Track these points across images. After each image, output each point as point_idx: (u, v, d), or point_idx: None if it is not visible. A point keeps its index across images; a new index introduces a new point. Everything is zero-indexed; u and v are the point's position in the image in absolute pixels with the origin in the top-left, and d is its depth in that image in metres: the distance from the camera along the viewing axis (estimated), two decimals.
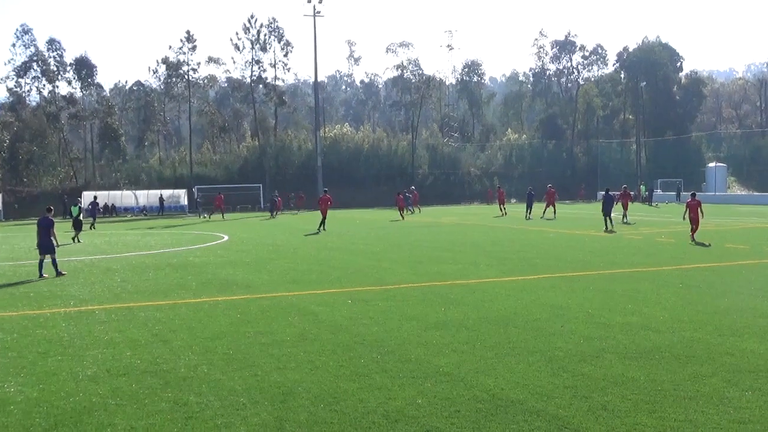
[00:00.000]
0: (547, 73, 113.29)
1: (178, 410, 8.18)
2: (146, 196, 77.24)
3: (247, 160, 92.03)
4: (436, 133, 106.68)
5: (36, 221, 22.06)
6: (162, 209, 72.62)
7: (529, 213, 48.53)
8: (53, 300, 16.29)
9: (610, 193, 37.49)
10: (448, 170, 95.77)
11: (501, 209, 53.92)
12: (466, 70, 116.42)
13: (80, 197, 53.43)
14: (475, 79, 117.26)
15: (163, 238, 36.39)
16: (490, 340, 11.25)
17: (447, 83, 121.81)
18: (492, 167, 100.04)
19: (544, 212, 47.57)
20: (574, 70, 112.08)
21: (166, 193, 76.27)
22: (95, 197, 52.76)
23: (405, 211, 52.47)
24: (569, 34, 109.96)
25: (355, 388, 8.89)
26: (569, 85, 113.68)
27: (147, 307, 15.10)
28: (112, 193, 77.44)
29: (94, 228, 46.40)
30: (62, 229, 45.94)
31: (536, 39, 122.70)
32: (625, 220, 40.20)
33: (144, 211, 73.90)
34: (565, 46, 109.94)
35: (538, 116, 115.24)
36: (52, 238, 21.07)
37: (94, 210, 49.95)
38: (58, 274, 20.80)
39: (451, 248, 27.07)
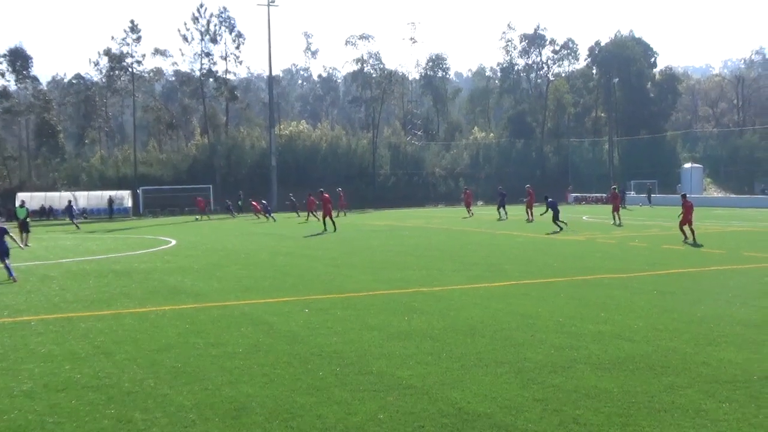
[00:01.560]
0: (516, 68, 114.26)
1: (122, 428, 8.11)
2: (87, 198, 76.38)
3: (196, 159, 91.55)
4: (398, 131, 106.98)
5: None
6: (111, 212, 72.08)
7: (505, 213, 49.32)
8: None
9: (550, 199, 39.35)
10: (412, 171, 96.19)
11: (468, 211, 54.73)
12: (431, 64, 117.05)
13: (22, 199, 53.07)
14: (439, 74, 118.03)
15: (105, 243, 36.03)
16: (457, 351, 11.30)
17: (410, 78, 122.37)
18: (458, 167, 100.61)
19: (531, 215, 47.56)
20: (544, 65, 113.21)
21: (112, 194, 75.54)
22: (70, 201, 53.41)
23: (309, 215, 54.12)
24: (539, 27, 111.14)
25: (312, 402, 8.87)
26: (539, 80, 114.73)
27: (88, 317, 14.94)
28: (48, 194, 76.49)
29: (78, 228, 49.91)
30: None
31: (504, 32, 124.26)
32: (616, 223, 40.89)
33: (84, 214, 73.08)
34: (535, 40, 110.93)
35: (506, 113, 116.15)
36: (9, 242, 21.96)
37: (71, 211, 51.11)
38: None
39: (415, 253, 27.15)
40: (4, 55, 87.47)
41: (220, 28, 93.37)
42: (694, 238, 29.74)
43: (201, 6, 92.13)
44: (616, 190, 45.49)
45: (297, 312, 14.95)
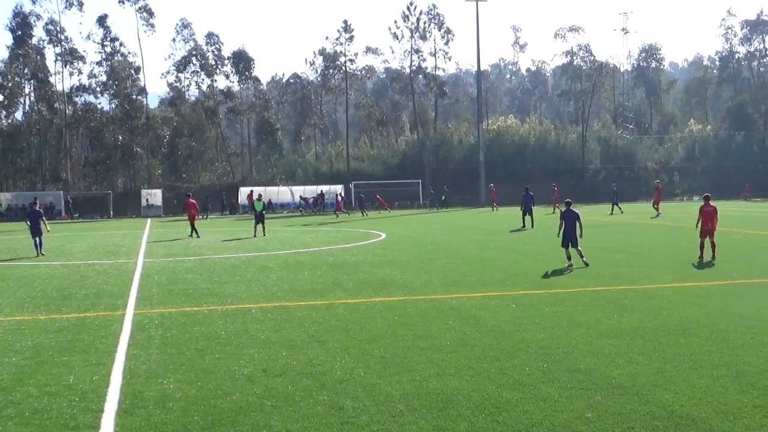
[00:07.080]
0: (736, 56, 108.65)
1: (333, 414, 8.39)
2: (302, 192, 79.29)
3: (405, 155, 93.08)
4: (609, 125, 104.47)
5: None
6: (323, 206, 74.42)
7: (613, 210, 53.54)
8: (210, 297, 17.07)
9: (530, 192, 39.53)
10: (623, 165, 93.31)
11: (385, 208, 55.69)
12: (643, 55, 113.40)
13: (259, 193, 55.78)
14: (653, 65, 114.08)
15: (319, 236, 37.36)
16: (669, 351, 10.88)
17: (621, 70, 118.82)
18: (672, 161, 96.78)
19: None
20: None
21: (324, 189, 77.77)
22: (208, 197, 56.88)
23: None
24: (762, 12, 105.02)
25: (518, 398, 8.82)
26: (761, 69, 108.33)
27: (303, 306, 15.56)
28: (268, 188, 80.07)
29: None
30: (238, 225, 47.96)
31: (723, 19, 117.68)
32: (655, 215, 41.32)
33: (300, 208, 75.95)
34: (757, 26, 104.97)
35: (725, 104, 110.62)
36: (41, 225, 29.18)
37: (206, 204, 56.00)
38: (40, 254, 28.66)
39: (626, 250, 26.37)
40: (229, 58, 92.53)
41: (429, 25, 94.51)
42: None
43: (411, 4, 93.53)
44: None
45: (504, 307, 14.90)
